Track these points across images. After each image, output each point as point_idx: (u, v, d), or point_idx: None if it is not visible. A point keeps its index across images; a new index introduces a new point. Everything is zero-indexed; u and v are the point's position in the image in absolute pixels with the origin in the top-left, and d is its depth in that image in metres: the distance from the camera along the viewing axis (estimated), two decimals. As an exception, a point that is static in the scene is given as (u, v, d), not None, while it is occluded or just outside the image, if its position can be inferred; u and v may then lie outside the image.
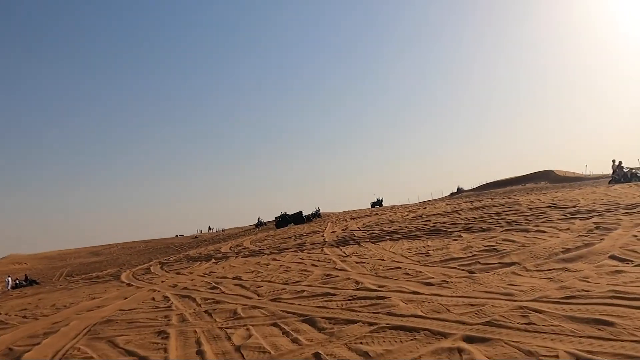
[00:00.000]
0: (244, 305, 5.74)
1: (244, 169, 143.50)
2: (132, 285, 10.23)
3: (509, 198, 17.48)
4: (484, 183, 69.53)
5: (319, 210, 37.95)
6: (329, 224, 19.31)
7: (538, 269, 5.28)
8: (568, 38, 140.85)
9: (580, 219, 8.43)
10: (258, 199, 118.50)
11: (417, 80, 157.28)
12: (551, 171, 63.89)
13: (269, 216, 40.15)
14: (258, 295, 6.30)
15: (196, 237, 57.84)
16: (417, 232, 10.29)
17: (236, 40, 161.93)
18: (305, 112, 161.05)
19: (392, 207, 31.93)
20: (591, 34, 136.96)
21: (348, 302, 5.08)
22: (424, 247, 8.24)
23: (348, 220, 19.80)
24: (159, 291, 8.31)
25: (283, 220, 30.25)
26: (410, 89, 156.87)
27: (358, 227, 14.55)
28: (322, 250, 10.21)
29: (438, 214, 14.33)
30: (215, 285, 7.81)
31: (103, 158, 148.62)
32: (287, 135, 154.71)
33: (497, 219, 10.32)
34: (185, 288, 8.10)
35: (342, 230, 14.69)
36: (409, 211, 19.06)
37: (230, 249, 15.85)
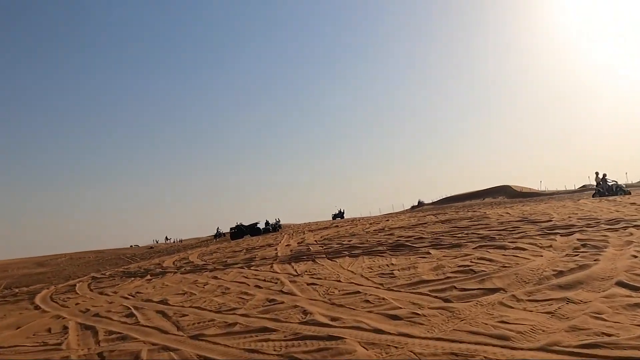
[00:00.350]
0: (153, 344, 4.32)
1: (206, 179, 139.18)
2: (39, 308, 8.46)
3: (475, 211, 16.78)
4: (443, 197, 70.44)
5: (279, 221, 36.57)
6: (285, 236, 17.93)
7: (531, 298, 4.19)
8: (529, 53, 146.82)
9: (561, 235, 7.55)
10: (221, 209, 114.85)
11: (381, 96, 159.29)
12: (508, 186, 65.59)
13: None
14: (178, 329, 4.88)
15: (151, 247, 54.68)
16: (380, 248, 9.15)
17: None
18: (270, 123, 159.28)
19: (353, 220, 30.94)
20: (551, 51, 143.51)
21: (289, 343, 3.79)
22: (387, 265, 7.07)
23: (306, 232, 18.50)
24: (64, 318, 6.69)
25: (238, 232, 28.53)
26: (375, 104, 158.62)
27: (315, 241, 13.28)
28: (271, 267, 8.85)
29: (402, 227, 13.30)
30: (134, 311, 6.30)
31: (59, 161, 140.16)
32: (251, 145, 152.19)
33: (467, 234, 9.34)
34: (97, 315, 6.52)
35: (298, 243, 13.37)
36: (371, 224, 17.99)
37: (173, 263, 14.15)
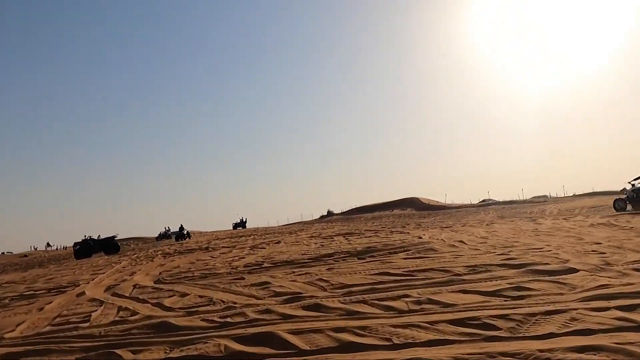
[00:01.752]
0: None
1: (128, 179, 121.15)
2: None
3: (402, 232, 11.91)
4: (353, 207, 67.29)
5: (181, 229, 30.36)
6: (121, 263, 11.67)
7: None
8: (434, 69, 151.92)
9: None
10: (145, 211, 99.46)
11: (293, 102, 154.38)
12: (416, 198, 64.21)
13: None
14: None
15: (25, 255, 43.76)
16: (219, 337, 3.58)
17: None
18: (192, 121, 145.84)
19: (241, 235, 25.12)
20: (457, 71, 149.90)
21: None
22: None
23: (156, 258, 12.30)
24: None
25: (85, 248, 20.99)
26: (288, 109, 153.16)
27: (134, 285, 7.32)
28: None
29: (292, 262, 7.88)
30: None
31: None
32: (173, 145, 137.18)
33: (418, 299, 4.17)
34: None
35: (106, 289, 7.35)
36: (252, 247, 12.35)
37: None
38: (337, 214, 64.03)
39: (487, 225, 12.28)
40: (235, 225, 38.63)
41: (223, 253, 11.33)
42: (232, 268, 7.92)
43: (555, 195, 61.10)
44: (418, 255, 6.93)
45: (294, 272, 6.65)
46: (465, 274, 5.07)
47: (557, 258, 5.48)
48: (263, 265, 7.75)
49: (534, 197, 59.19)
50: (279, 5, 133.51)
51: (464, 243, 7.93)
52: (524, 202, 51.10)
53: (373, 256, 7.35)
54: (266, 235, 18.94)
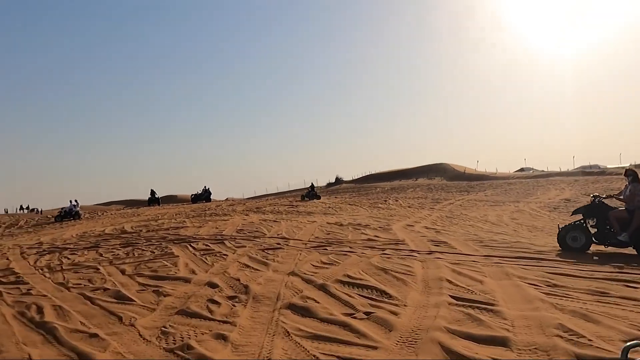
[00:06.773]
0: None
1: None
2: None
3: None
4: (366, 174, 54.59)
5: (153, 194, 26.00)
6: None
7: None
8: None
9: None
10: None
11: (307, 63, 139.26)
12: (447, 165, 50.85)
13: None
14: None
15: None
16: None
17: None
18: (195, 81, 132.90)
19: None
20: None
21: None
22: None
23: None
24: None
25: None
26: (307, 70, 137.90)
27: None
28: None
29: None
30: None
31: None
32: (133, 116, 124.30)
33: None
34: None
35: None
36: None
37: None
38: (347, 182, 51.78)
39: None
40: (195, 198, 27.07)
41: None
42: None
43: (607, 166, 45.65)
44: None
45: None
46: None
47: None
48: None
49: (582, 167, 44.54)
50: None
51: None
52: (579, 172, 37.47)
53: None
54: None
